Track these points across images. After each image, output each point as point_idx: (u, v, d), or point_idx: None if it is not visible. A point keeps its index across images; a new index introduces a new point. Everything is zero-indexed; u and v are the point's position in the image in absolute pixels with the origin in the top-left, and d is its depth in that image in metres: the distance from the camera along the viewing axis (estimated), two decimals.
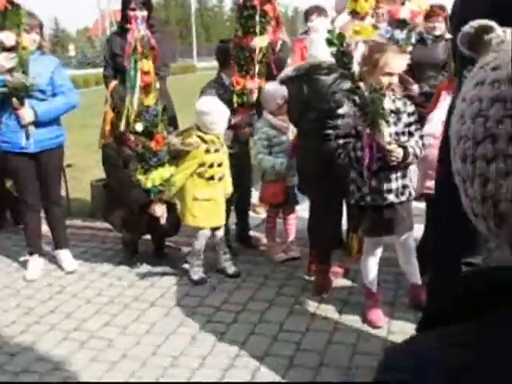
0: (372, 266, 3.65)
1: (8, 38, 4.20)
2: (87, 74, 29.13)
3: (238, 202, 5.05)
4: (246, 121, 4.73)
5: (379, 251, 3.65)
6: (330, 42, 3.70)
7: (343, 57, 3.72)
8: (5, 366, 3.40)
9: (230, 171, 4.54)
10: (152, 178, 4.34)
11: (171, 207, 4.61)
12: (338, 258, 4.42)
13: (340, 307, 3.92)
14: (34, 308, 4.16)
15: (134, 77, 4.25)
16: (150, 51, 4.28)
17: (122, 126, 4.31)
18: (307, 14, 5.81)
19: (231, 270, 4.52)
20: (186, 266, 4.57)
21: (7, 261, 5.09)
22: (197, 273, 4.43)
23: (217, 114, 4.30)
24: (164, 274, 4.61)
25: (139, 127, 4.30)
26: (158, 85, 4.41)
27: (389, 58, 3.28)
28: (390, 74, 3.30)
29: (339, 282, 4.26)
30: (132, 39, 4.22)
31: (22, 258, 4.97)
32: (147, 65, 4.24)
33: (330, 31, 3.61)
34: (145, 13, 4.88)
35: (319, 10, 5.60)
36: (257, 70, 4.57)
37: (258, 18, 4.48)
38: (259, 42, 4.53)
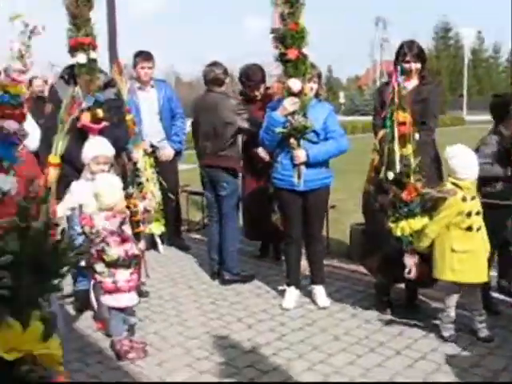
0: None
1: (295, 84, 4.65)
2: (355, 121, 30.13)
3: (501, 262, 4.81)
4: None
5: None
6: None
7: None
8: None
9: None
10: (401, 227, 4.34)
11: (425, 258, 4.55)
12: None
13: None
14: (286, 335, 4.45)
15: (390, 127, 4.38)
16: (406, 103, 4.36)
17: (381, 174, 4.45)
18: None
19: (483, 333, 4.28)
20: (436, 321, 4.45)
21: (267, 288, 5.53)
22: (447, 329, 4.30)
23: (466, 159, 4.20)
24: (413, 325, 4.56)
25: (390, 176, 4.38)
26: (416, 136, 4.44)
27: None
28: None
29: None
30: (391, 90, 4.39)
31: (280, 288, 5.34)
32: (403, 116, 4.33)
33: None
34: (419, 65, 4.95)
35: None
36: None
37: None
38: None
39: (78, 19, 4.84)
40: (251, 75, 5.97)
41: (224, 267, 5.70)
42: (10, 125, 3.01)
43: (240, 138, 5.75)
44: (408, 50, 4.95)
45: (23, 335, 1.34)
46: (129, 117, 6.09)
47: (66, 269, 1.40)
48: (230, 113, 5.49)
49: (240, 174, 5.90)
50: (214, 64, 5.70)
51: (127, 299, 4.06)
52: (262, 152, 5.75)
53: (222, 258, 5.75)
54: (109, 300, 4.03)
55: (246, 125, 5.50)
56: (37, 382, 1.39)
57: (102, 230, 3.89)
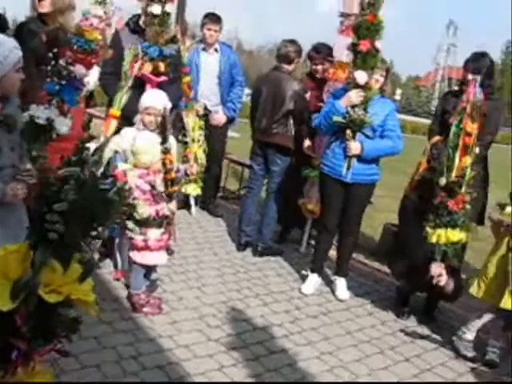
0: None
1: (361, 76, 4.57)
2: (406, 121, 29.69)
3: None
4: None
5: None
6: None
7: None
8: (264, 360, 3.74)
9: None
10: (438, 235, 4.28)
11: (455, 272, 4.48)
12: None
13: None
14: (300, 320, 4.47)
15: (454, 135, 4.30)
16: (478, 115, 4.27)
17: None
18: None
19: (491, 356, 4.19)
20: (453, 338, 4.36)
21: (290, 270, 5.54)
22: (467, 348, 4.22)
23: None
24: (427, 336, 4.54)
25: (442, 182, 4.32)
26: (477, 150, 4.36)
27: None
28: None
29: None
30: (465, 100, 4.29)
31: (303, 272, 5.35)
32: (471, 127, 4.24)
33: None
34: (478, 77, 4.83)
35: None
36: None
37: None
38: None
39: None
40: (319, 48, 5.94)
41: (260, 238, 5.78)
42: (80, 70, 3.05)
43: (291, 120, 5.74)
44: (472, 62, 4.87)
45: (64, 277, 1.38)
46: (186, 79, 6.14)
47: (112, 219, 1.45)
48: (290, 93, 5.53)
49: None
50: (291, 41, 5.74)
51: (155, 258, 4.09)
52: (307, 145, 5.81)
53: (258, 230, 5.83)
54: (136, 256, 4.06)
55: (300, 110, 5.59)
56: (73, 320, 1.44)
57: (134, 187, 3.89)
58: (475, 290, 4.22)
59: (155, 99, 4.13)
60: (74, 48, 3.09)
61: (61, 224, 1.33)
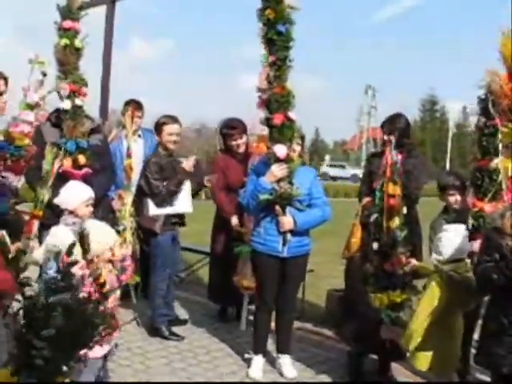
0: None
1: (281, 150, 4.50)
2: (338, 185, 30.46)
3: None
4: None
5: None
6: None
7: None
8: None
9: None
10: (380, 298, 4.29)
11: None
12: None
13: None
14: None
15: (380, 199, 4.37)
16: (399, 176, 4.36)
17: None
18: None
19: None
20: None
21: (230, 352, 5.28)
22: None
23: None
24: None
25: (375, 246, 4.35)
26: (405, 210, 4.42)
27: None
28: None
29: None
30: (384, 164, 4.39)
31: (246, 355, 5.03)
32: (393, 189, 4.32)
33: None
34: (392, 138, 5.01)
35: None
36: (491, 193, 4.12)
37: (499, 137, 3.96)
38: (499, 163, 4.02)
39: (66, 66, 4.97)
40: (232, 124, 5.93)
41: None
42: (9, 178, 2.97)
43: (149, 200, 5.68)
44: (386, 124, 5.03)
45: None
46: (128, 161, 6.08)
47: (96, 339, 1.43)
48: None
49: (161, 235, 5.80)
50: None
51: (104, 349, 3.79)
52: (234, 222, 5.74)
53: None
54: None
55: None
56: None
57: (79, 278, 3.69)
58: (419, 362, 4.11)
59: (88, 189, 4.10)
60: (5, 156, 3.03)
61: (47, 350, 1.29)
